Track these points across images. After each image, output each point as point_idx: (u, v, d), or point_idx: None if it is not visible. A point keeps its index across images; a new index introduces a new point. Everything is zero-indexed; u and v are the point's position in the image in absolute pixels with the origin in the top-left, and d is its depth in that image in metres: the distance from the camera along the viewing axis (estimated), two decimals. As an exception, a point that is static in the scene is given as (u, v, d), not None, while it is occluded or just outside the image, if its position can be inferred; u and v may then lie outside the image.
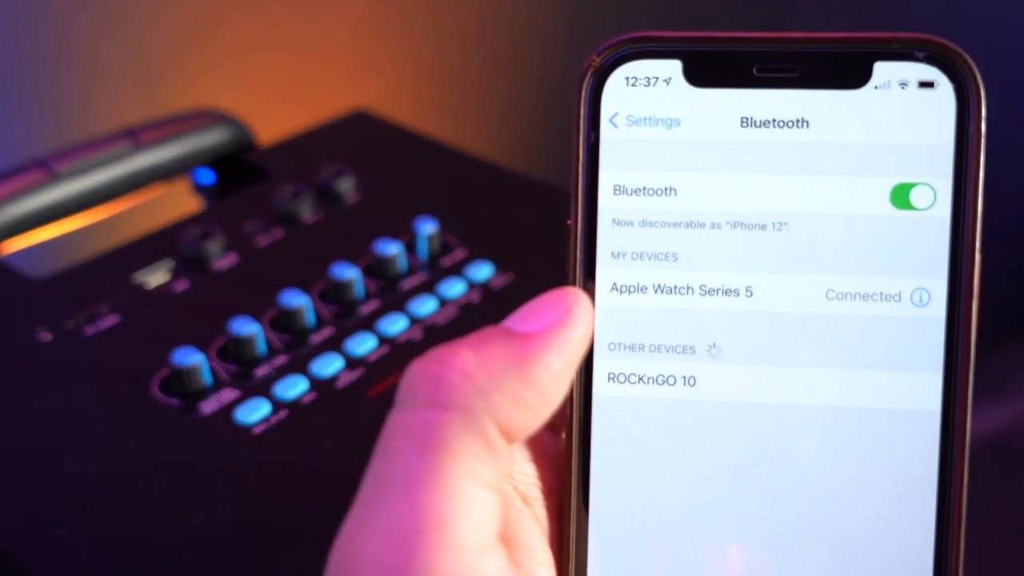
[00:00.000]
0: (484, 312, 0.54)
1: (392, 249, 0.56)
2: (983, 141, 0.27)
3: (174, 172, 0.67)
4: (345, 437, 0.47)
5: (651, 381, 0.29)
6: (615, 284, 0.29)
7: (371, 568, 0.23)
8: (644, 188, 0.29)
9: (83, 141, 0.65)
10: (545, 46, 1.07)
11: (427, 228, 0.58)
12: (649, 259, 0.29)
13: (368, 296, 0.55)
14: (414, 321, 0.53)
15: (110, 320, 0.53)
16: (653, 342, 0.29)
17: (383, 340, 0.52)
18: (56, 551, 0.42)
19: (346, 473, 0.46)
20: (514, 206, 0.63)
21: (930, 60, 0.28)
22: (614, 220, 0.29)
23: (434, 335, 0.53)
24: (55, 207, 0.62)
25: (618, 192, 0.29)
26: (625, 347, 0.29)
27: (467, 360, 0.25)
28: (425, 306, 0.54)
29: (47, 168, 0.63)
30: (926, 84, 0.28)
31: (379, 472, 0.24)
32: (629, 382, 0.29)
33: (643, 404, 0.29)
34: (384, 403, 0.49)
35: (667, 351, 0.29)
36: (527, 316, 0.27)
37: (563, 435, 0.29)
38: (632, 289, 0.29)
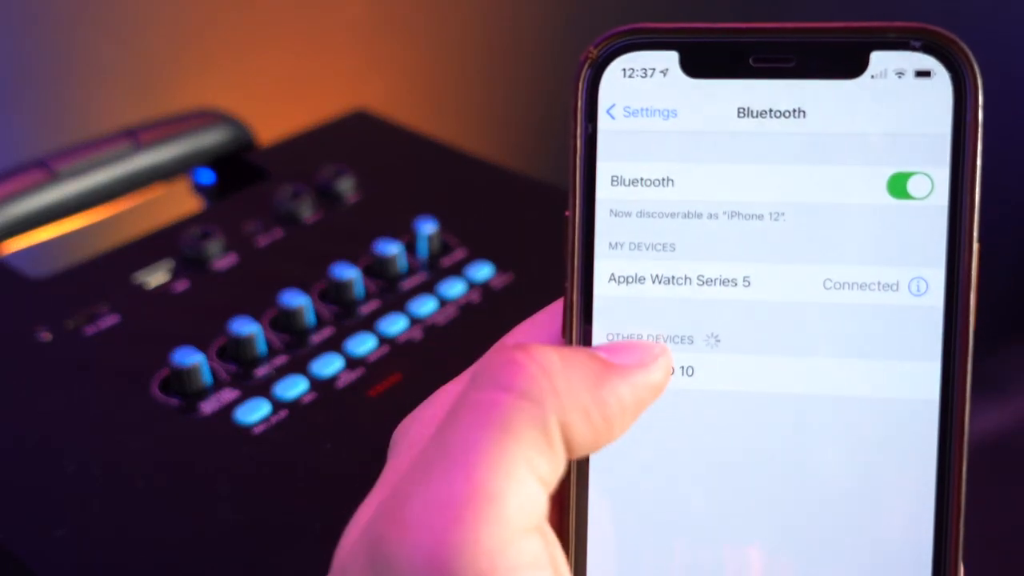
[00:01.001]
0: (484, 312, 0.54)
1: (392, 249, 0.56)
2: (980, 129, 0.27)
3: (174, 172, 0.67)
4: (345, 437, 0.47)
5: None
6: (613, 275, 0.29)
7: (417, 527, 0.24)
8: (641, 179, 0.29)
9: (83, 141, 0.65)
10: (545, 46, 1.07)
11: (427, 228, 0.58)
12: (647, 250, 0.29)
13: (368, 296, 0.55)
14: (414, 321, 0.53)
15: (110, 320, 0.53)
16: (651, 332, 0.29)
17: (383, 340, 0.52)
18: (56, 551, 0.42)
19: (346, 473, 0.46)
20: (514, 206, 0.63)
21: (926, 49, 0.28)
22: (612, 211, 0.29)
23: (434, 335, 0.53)
24: (55, 207, 0.62)
25: (616, 183, 0.29)
26: (623, 338, 0.29)
27: (551, 359, 0.26)
28: (425, 306, 0.54)
29: (47, 168, 0.63)
30: (923, 73, 0.28)
31: (443, 437, 0.25)
32: None
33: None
34: (384, 403, 0.49)
35: (665, 341, 0.29)
36: (615, 349, 0.28)
37: None
38: (630, 280, 0.29)
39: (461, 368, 0.48)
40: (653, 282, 0.29)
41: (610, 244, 0.29)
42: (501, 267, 0.57)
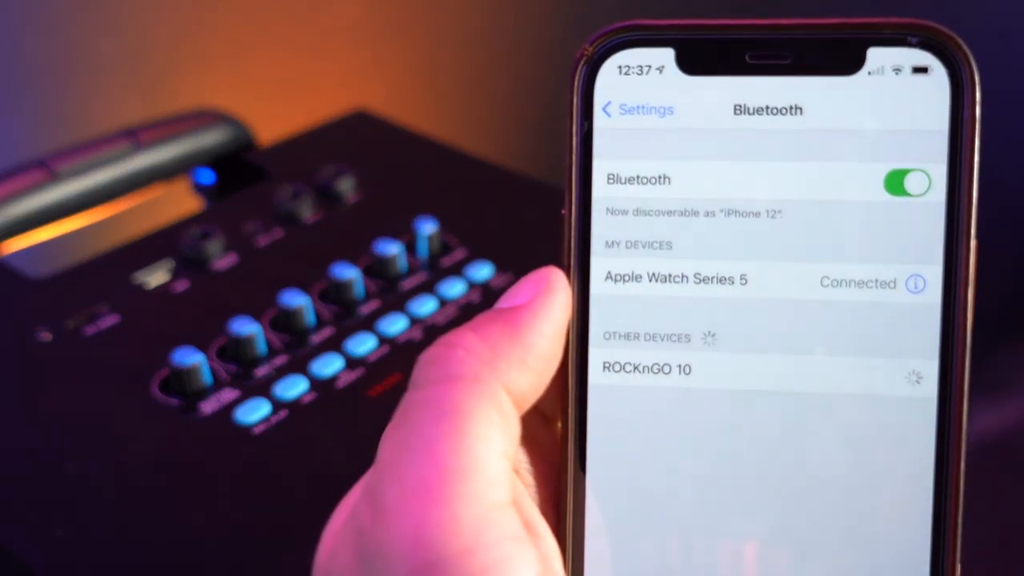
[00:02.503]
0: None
1: (392, 249, 0.56)
2: (978, 126, 0.27)
3: (174, 172, 0.67)
4: (345, 437, 0.47)
5: (646, 370, 0.29)
6: (610, 273, 0.29)
7: (397, 513, 0.25)
8: (638, 177, 0.29)
9: (83, 141, 0.65)
10: (545, 46, 1.07)
11: (427, 228, 0.58)
12: (643, 248, 0.29)
13: (368, 296, 0.55)
14: (414, 321, 0.53)
15: (110, 320, 0.53)
16: (648, 331, 0.29)
17: (383, 340, 0.52)
18: (56, 551, 0.42)
19: (346, 473, 0.46)
20: (514, 206, 0.63)
21: (924, 45, 0.28)
22: (608, 209, 0.29)
23: (434, 335, 0.52)
24: (55, 207, 0.62)
25: (612, 181, 0.29)
26: (620, 336, 0.29)
27: (469, 338, 0.27)
28: (425, 306, 0.54)
29: (47, 168, 0.63)
30: (920, 69, 0.28)
31: (398, 438, 0.26)
32: (624, 371, 0.29)
33: (638, 393, 0.29)
34: (384, 403, 0.49)
35: (662, 339, 0.29)
36: (512, 295, 0.29)
37: (558, 424, 0.29)
38: (627, 278, 0.29)
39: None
40: (650, 280, 0.29)
41: (606, 242, 0.29)
42: (501, 267, 0.57)
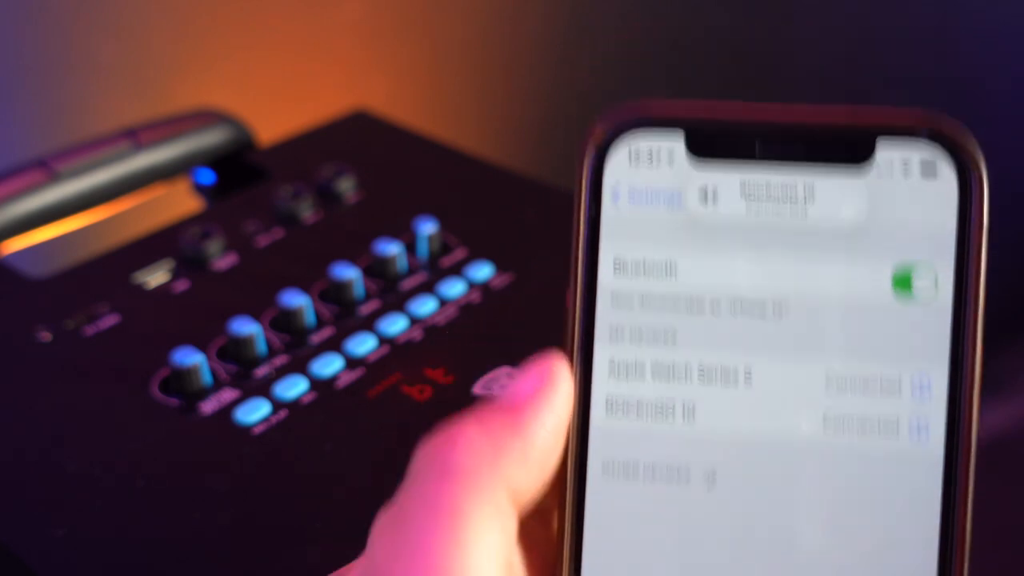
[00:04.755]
0: (484, 312, 0.54)
1: (392, 249, 0.56)
2: (986, 225, 0.27)
3: (174, 172, 0.67)
4: (345, 437, 0.47)
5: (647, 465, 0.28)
6: (612, 362, 0.28)
7: None
8: (644, 265, 0.28)
9: (83, 141, 0.65)
10: (545, 46, 1.07)
11: (427, 228, 0.58)
12: (647, 338, 0.28)
13: (368, 296, 0.55)
14: (414, 321, 0.53)
15: (110, 320, 0.53)
16: (650, 427, 0.28)
17: (383, 340, 0.52)
18: (56, 551, 0.42)
19: (346, 473, 0.46)
20: (514, 206, 0.63)
21: (933, 138, 0.27)
22: (613, 297, 0.28)
23: (434, 335, 0.53)
24: (55, 207, 0.62)
25: (618, 269, 0.28)
26: (623, 421, 0.28)
27: (470, 431, 0.27)
28: (425, 306, 0.54)
29: (47, 168, 0.63)
30: (929, 165, 0.27)
31: (394, 536, 0.26)
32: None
33: (639, 488, 0.28)
34: (384, 403, 0.49)
35: (665, 432, 0.28)
36: (516, 386, 0.28)
37: (555, 519, 0.29)
38: (630, 368, 0.28)
39: (461, 367, 0.49)
40: (653, 371, 0.28)
41: (610, 331, 0.28)
42: (501, 267, 0.57)
